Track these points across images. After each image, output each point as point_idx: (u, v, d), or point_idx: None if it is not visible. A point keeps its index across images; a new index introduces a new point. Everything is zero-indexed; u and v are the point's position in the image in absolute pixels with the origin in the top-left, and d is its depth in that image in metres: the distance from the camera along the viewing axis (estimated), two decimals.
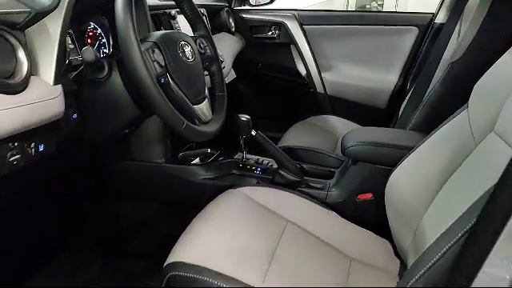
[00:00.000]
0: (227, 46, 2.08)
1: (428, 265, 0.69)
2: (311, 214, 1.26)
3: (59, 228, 1.58)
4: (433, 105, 1.40)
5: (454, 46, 1.42)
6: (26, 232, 1.47)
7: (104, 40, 1.26)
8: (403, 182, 1.14)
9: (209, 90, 1.24)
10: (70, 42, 1.09)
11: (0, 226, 1.34)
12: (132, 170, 1.52)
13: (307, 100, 2.37)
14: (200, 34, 1.26)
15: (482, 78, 1.02)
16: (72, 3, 0.92)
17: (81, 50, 1.06)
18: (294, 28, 2.30)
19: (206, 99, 1.18)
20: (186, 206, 1.23)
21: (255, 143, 1.44)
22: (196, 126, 1.07)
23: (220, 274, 0.90)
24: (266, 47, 2.42)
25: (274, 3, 2.50)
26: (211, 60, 1.28)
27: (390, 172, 1.17)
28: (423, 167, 1.09)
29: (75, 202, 1.55)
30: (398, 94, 2.11)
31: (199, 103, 1.13)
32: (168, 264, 0.96)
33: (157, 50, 1.03)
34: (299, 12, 2.32)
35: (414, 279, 0.70)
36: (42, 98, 0.85)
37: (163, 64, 1.02)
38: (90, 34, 1.21)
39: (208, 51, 1.26)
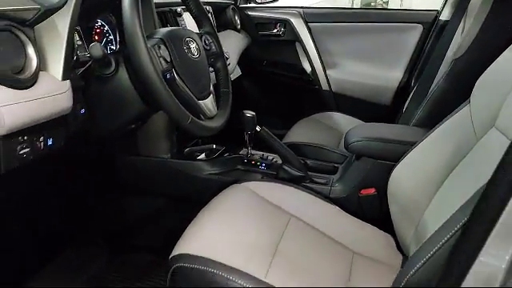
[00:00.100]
0: (232, 44, 2.10)
1: (426, 256, 0.71)
2: (315, 208, 1.27)
3: (66, 222, 1.60)
4: (436, 101, 1.41)
5: (458, 43, 1.43)
6: (34, 226, 1.50)
7: (111, 37, 1.28)
8: (406, 177, 1.15)
9: (214, 86, 1.26)
10: (77, 38, 1.11)
11: (8, 219, 1.37)
12: (138, 165, 1.54)
13: (312, 97, 2.39)
14: (205, 30, 1.28)
15: (483, 74, 1.03)
16: (80, 0, 0.94)
17: (88, 47, 1.08)
18: (299, 25, 2.31)
19: (211, 95, 1.20)
20: (192, 200, 1.24)
21: (260, 139, 1.45)
22: (201, 121, 1.09)
23: (224, 265, 0.91)
24: (271, 44, 2.44)
25: (279, 1, 2.51)
26: (216, 56, 1.30)
27: (392, 167, 1.18)
28: (425, 162, 1.10)
29: (82, 196, 1.58)
30: (403, 90, 2.11)
31: (204, 99, 1.15)
32: (173, 256, 0.98)
33: (163, 46, 1.05)
34: (304, 9, 2.33)
35: (413, 270, 0.72)
36: (50, 93, 0.87)
37: (169, 60, 1.04)
38: (98, 30, 1.24)
39: (213, 48, 1.28)
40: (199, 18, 1.29)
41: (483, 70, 1.03)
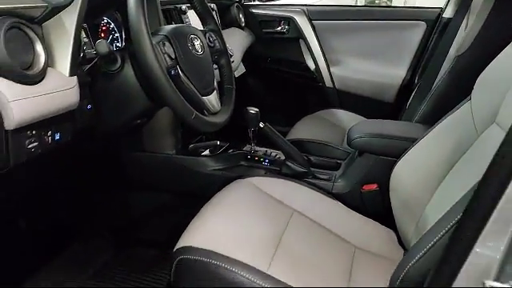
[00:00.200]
0: (237, 41, 2.11)
1: (426, 247, 0.72)
2: (317, 203, 1.29)
3: (73, 216, 1.63)
4: (438, 98, 1.42)
5: (461, 40, 1.43)
6: (41, 219, 1.52)
7: (117, 34, 1.30)
8: (407, 173, 1.16)
9: (218, 82, 1.28)
10: (84, 35, 1.13)
11: (16, 212, 1.39)
12: (144, 161, 1.56)
13: (316, 94, 2.40)
14: (209, 28, 1.30)
15: (484, 70, 1.04)
16: None
17: (94, 44, 1.10)
18: (302, 23, 2.32)
19: (215, 91, 1.21)
20: (196, 195, 1.26)
21: (263, 135, 1.47)
22: (205, 117, 1.11)
23: (227, 258, 0.93)
24: (276, 42, 2.45)
25: None
26: (220, 53, 1.32)
27: (394, 163, 1.19)
28: (427, 158, 1.12)
29: (88, 191, 1.60)
30: (406, 88, 2.12)
31: (208, 95, 1.17)
32: (178, 248, 0.99)
33: (167, 43, 1.06)
34: (308, 7, 2.34)
35: (413, 261, 0.74)
36: (58, 89, 0.90)
37: (173, 56, 1.06)
38: (104, 28, 1.26)
39: (217, 45, 1.30)
40: (203, 16, 1.31)
41: (485, 67, 1.04)
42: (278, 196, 1.26)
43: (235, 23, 2.29)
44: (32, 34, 0.88)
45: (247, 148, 1.58)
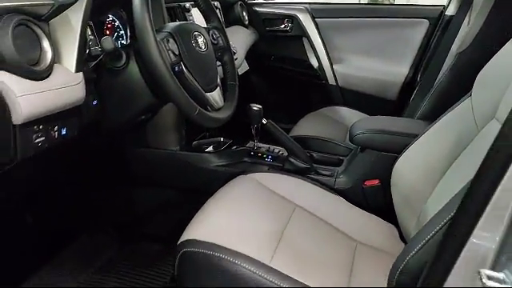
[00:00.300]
0: (240, 39, 2.13)
1: (425, 239, 0.74)
2: (319, 199, 1.30)
3: (79, 211, 1.65)
4: (440, 94, 1.43)
5: (462, 37, 1.44)
6: (48, 214, 1.55)
7: (122, 32, 1.32)
8: (409, 168, 1.17)
9: (221, 79, 1.30)
10: (89, 33, 1.15)
11: (23, 207, 1.41)
12: (148, 157, 1.58)
13: (319, 92, 2.41)
14: (213, 25, 1.32)
15: (484, 67, 1.05)
16: None
17: (100, 41, 1.12)
18: (306, 21, 2.33)
19: (218, 87, 1.23)
20: (200, 191, 1.28)
21: (266, 132, 1.48)
22: (208, 113, 1.13)
23: (230, 250, 0.94)
24: (279, 40, 2.46)
25: None
26: (223, 50, 1.33)
27: (396, 159, 1.20)
28: (428, 153, 1.13)
29: (94, 186, 1.62)
30: (409, 85, 2.13)
31: (211, 91, 1.19)
32: (181, 241, 1.01)
33: (171, 40, 1.08)
34: (311, 5, 2.35)
35: (412, 252, 0.75)
36: (64, 84, 0.91)
37: (177, 53, 1.08)
38: (109, 25, 1.27)
39: (220, 42, 1.32)
40: (207, 13, 1.32)
41: (486, 64, 1.05)
42: (280, 191, 1.27)
43: (239, 21, 2.31)
44: (39, 31, 0.90)
45: (250, 144, 1.59)
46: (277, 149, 1.57)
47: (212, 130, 1.77)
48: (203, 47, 1.18)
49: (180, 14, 1.67)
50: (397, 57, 2.20)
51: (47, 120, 0.90)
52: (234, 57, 1.44)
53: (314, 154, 1.56)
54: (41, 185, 1.31)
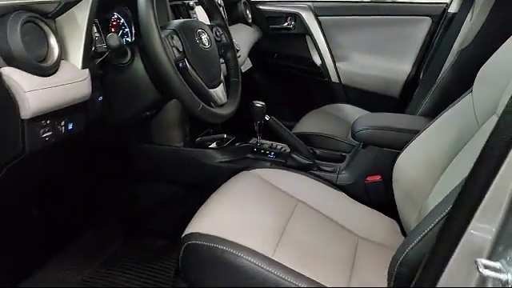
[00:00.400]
0: (243, 37, 2.14)
1: (425, 231, 0.75)
2: (321, 194, 1.32)
3: (85, 206, 1.67)
4: (442, 91, 1.44)
5: (464, 34, 1.45)
6: (54, 208, 1.57)
7: (127, 29, 1.34)
8: (410, 164, 1.18)
9: (224, 76, 1.31)
10: (95, 30, 1.17)
11: (30, 201, 1.43)
12: (152, 153, 1.60)
13: (322, 89, 2.42)
14: (216, 22, 1.33)
15: (485, 63, 1.06)
16: None
17: (105, 38, 1.14)
18: (309, 19, 2.34)
19: (222, 84, 1.25)
20: (203, 187, 1.29)
21: (269, 129, 1.49)
22: (211, 109, 1.15)
23: (233, 243, 0.96)
24: (282, 38, 2.47)
25: None
26: (227, 47, 1.35)
27: (397, 155, 1.21)
28: (429, 149, 1.14)
29: (99, 181, 1.64)
30: (411, 83, 2.14)
31: (215, 87, 1.20)
32: (185, 235, 1.02)
33: (176, 37, 1.10)
34: (314, 3, 2.36)
35: (412, 244, 0.76)
36: (71, 80, 0.94)
37: (181, 50, 1.10)
38: (114, 23, 1.29)
39: (224, 39, 1.33)
40: (210, 11, 1.34)
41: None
42: (283, 187, 1.28)
43: (242, 19, 2.32)
44: (46, 28, 0.92)
45: (253, 141, 1.60)
46: (279, 145, 1.59)
47: (215, 127, 1.78)
48: (207, 44, 1.20)
49: (184, 11, 1.68)
50: (399, 54, 2.20)
51: (54, 115, 0.93)
52: (238, 54, 1.45)
53: (317, 151, 1.57)
54: (47, 179, 1.32)
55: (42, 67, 0.88)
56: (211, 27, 1.30)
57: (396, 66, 2.21)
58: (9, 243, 1.41)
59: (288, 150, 1.53)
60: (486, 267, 0.50)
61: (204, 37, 1.19)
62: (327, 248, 1.08)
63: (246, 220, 1.08)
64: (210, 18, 1.35)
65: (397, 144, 1.28)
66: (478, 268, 0.50)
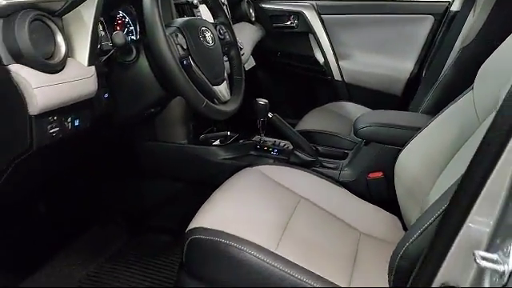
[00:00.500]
0: (247, 35, 2.15)
1: (425, 225, 0.76)
2: (324, 191, 1.33)
3: (90, 202, 1.69)
4: (443, 88, 1.45)
5: (466, 32, 1.46)
6: (61, 204, 1.59)
7: (131, 27, 1.35)
8: (412, 160, 1.19)
9: (228, 73, 1.33)
10: (101, 28, 1.18)
11: (37, 197, 1.45)
12: (156, 150, 1.62)
13: (325, 87, 2.43)
14: (220, 20, 1.35)
15: (486, 61, 1.06)
16: None
17: (111, 36, 1.15)
18: (312, 17, 2.35)
19: (225, 81, 1.26)
20: (207, 184, 1.30)
21: (272, 126, 1.51)
22: (215, 105, 1.16)
23: (236, 237, 0.97)
24: (285, 36, 2.48)
25: None
26: (230, 45, 1.37)
27: (399, 151, 1.23)
28: (430, 146, 1.15)
29: (104, 178, 1.66)
30: (414, 81, 2.14)
31: (218, 84, 1.22)
32: (189, 229, 1.04)
33: (180, 35, 1.12)
34: (317, 2, 2.37)
35: (412, 238, 0.77)
36: (78, 77, 0.95)
37: (186, 47, 1.12)
38: (119, 21, 1.30)
39: (227, 37, 1.35)
40: (214, 9, 1.36)
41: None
42: (285, 183, 1.30)
43: (245, 18, 2.33)
44: (53, 26, 0.94)
45: (256, 138, 1.61)
46: (282, 142, 1.60)
47: (219, 124, 1.80)
48: (210, 42, 1.21)
49: (188, 9, 1.70)
50: (402, 52, 2.21)
51: (61, 111, 0.94)
52: (241, 52, 1.47)
53: (319, 148, 1.59)
54: (54, 175, 1.34)
55: (50, 64, 0.89)
56: (215, 25, 1.32)
57: (399, 64, 2.22)
58: (16, 238, 1.43)
59: (291, 147, 1.54)
60: (483, 258, 0.51)
61: (208, 35, 1.21)
62: (329, 243, 1.09)
63: (249, 215, 1.09)
64: (214, 16, 1.37)
65: (398, 141, 1.29)
66: (475, 259, 0.51)
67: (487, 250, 0.56)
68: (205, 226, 1.02)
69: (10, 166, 0.92)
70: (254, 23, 2.39)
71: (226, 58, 1.36)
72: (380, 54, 2.28)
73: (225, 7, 1.96)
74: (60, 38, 0.95)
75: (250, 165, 1.40)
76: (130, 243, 1.61)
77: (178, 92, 1.08)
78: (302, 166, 1.44)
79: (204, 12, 1.77)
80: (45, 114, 0.90)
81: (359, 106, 2.16)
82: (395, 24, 2.20)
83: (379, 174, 1.38)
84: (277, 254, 0.96)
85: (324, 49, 2.37)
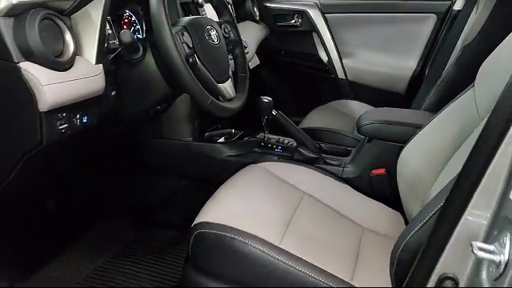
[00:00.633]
0: (251, 34, 2.17)
1: (426, 218, 0.78)
2: (327, 187, 1.35)
3: (97, 199, 1.71)
4: (445, 86, 1.46)
5: (468, 30, 1.47)
6: (69, 201, 1.61)
7: (138, 26, 1.37)
8: (414, 157, 1.20)
9: (232, 71, 1.35)
10: (108, 27, 1.20)
11: (47, 192, 1.48)
12: (162, 148, 1.64)
13: (328, 85, 2.45)
14: (225, 19, 1.37)
15: (487, 58, 1.08)
16: None
17: (117, 35, 1.18)
18: (315, 16, 2.37)
19: (230, 79, 1.28)
20: (211, 180, 1.32)
21: (276, 124, 1.52)
22: (220, 103, 1.18)
23: (241, 231, 0.99)
24: (289, 35, 2.50)
25: None
26: (235, 44, 1.39)
27: (401, 148, 1.24)
28: (432, 143, 1.16)
29: (112, 175, 1.68)
30: (417, 79, 2.16)
31: (223, 82, 1.24)
32: (195, 224, 1.06)
33: (186, 33, 1.14)
34: (321, 1, 2.39)
35: (413, 231, 0.79)
36: (86, 75, 0.97)
37: (191, 46, 1.14)
38: (126, 20, 1.33)
39: (232, 35, 1.37)
40: (219, 8, 1.38)
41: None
42: (289, 180, 1.31)
43: (250, 17, 2.35)
44: (62, 25, 0.96)
45: (261, 136, 1.63)
46: (286, 140, 1.61)
47: (224, 122, 1.82)
48: (215, 40, 1.23)
49: (193, 9, 1.72)
50: (405, 51, 2.23)
51: (70, 108, 0.96)
52: (245, 51, 1.49)
53: (323, 145, 1.60)
54: (62, 172, 1.37)
55: (59, 62, 0.92)
56: (220, 24, 1.34)
57: (402, 62, 2.23)
58: (25, 234, 1.46)
59: (295, 144, 1.56)
60: (480, 249, 0.53)
61: (213, 33, 1.23)
62: (333, 238, 1.11)
63: (254, 210, 1.11)
64: (219, 15, 1.39)
65: (401, 138, 1.31)
66: (473, 250, 0.53)
67: (484, 241, 0.57)
68: (210, 220, 1.04)
69: (21, 162, 0.95)
70: (258, 22, 2.41)
71: (230, 56, 1.38)
72: (383, 53, 2.29)
73: (229, 6, 1.98)
74: (69, 37, 0.97)
75: (255, 162, 1.42)
76: (136, 239, 1.63)
77: (183, 89, 1.10)
78: (306, 163, 1.45)
79: (209, 11, 1.79)
80: (54, 111, 0.92)
81: (363, 104, 2.17)
82: (398, 23, 2.22)
83: (382, 171, 1.40)
84: (281, 248, 0.98)
85: (328, 47, 2.38)
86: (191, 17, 1.25)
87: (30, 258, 1.46)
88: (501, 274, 0.51)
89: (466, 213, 0.60)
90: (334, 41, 2.37)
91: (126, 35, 1.10)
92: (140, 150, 1.65)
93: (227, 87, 1.25)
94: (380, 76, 2.28)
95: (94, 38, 1.02)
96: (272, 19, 2.49)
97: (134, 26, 1.35)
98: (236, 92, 1.32)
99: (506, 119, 0.57)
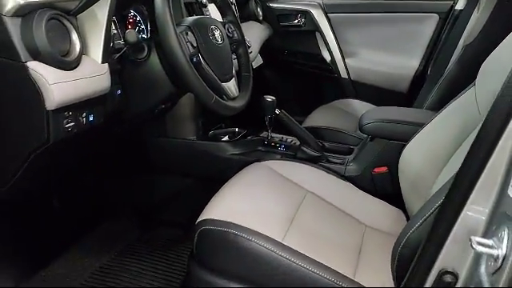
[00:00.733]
0: (255, 34, 2.18)
1: (426, 214, 0.79)
2: (330, 185, 1.36)
3: (102, 197, 1.73)
4: (447, 85, 1.47)
5: (470, 30, 1.48)
6: (74, 199, 1.63)
7: (142, 26, 1.39)
8: (415, 155, 1.21)
9: (236, 71, 1.36)
10: (113, 27, 1.22)
11: (53, 190, 1.49)
12: (167, 146, 1.65)
13: (331, 85, 2.46)
14: (228, 19, 1.39)
15: (488, 57, 1.09)
16: None
17: (123, 35, 1.19)
18: (318, 16, 2.38)
19: (233, 78, 1.30)
20: (215, 179, 1.33)
21: (280, 123, 1.54)
22: (224, 101, 1.20)
23: (245, 228, 1.00)
24: (292, 35, 2.52)
25: None
26: (238, 43, 1.40)
27: (403, 147, 1.25)
28: (433, 141, 1.16)
29: (116, 173, 1.70)
30: (419, 78, 2.17)
31: (227, 81, 1.26)
32: (199, 221, 1.07)
33: (190, 33, 1.15)
34: (324, 1, 2.40)
35: (414, 227, 0.80)
36: (92, 74, 0.99)
37: (195, 45, 1.15)
38: (131, 20, 1.34)
39: (235, 35, 1.38)
40: (223, 8, 1.40)
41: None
42: (292, 178, 1.32)
43: (253, 17, 2.36)
44: (68, 25, 0.98)
45: (264, 134, 1.64)
46: (289, 138, 1.63)
47: (227, 121, 1.83)
48: (219, 40, 1.25)
49: (197, 9, 1.73)
50: (407, 50, 2.23)
51: (76, 107, 0.98)
52: (249, 50, 1.50)
53: (326, 144, 1.61)
54: (68, 171, 1.38)
55: (65, 61, 0.93)
56: (224, 24, 1.35)
57: (404, 62, 2.24)
58: (31, 231, 1.47)
59: (298, 142, 1.57)
60: (479, 244, 0.54)
61: (217, 33, 1.25)
62: (335, 235, 1.12)
63: (257, 208, 1.12)
64: (223, 15, 1.41)
65: (403, 136, 1.31)
66: (472, 245, 0.54)
67: (483, 236, 0.58)
68: (214, 217, 1.05)
69: (27, 160, 0.96)
70: (261, 22, 2.43)
71: (234, 56, 1.39)
72: (386, 52, 2.30)
73: (233, 6, 1.99)
74: (75, 37, 0.98)
75: (258, 160, 1.43)
76: (141, 237, 1.65)
77: (188, 88, 1.12)
78: (309, 162, 1.46)
79: (213, 11, 1.80)
80: (61, 109, 0.93)
81: (365, 103, 2.18)
82: (401, 22, 2.23)
83: (384, 169, 1.41)
84: (284, 245, 0.98)
85: (331, 47, 2.40)
86: (195, 17, 1.27)
87: (36, 255, 1.48)
88: (499, 268, 0.52)
89: (466, 208, 0.61)
90: (336, 40, 2.38)
91: (132, 35, 1.12)
92: (144, 148, 1.67)
93: (231, 86, 1.27)
94: (382, 75, 2.29)
95: (99, 37, 1.03)
96: (275, 19, 2.51)
97: (139, 26, 1.37)
98: (239, 91, 1.34)
99: (504, 115, 0.58)
